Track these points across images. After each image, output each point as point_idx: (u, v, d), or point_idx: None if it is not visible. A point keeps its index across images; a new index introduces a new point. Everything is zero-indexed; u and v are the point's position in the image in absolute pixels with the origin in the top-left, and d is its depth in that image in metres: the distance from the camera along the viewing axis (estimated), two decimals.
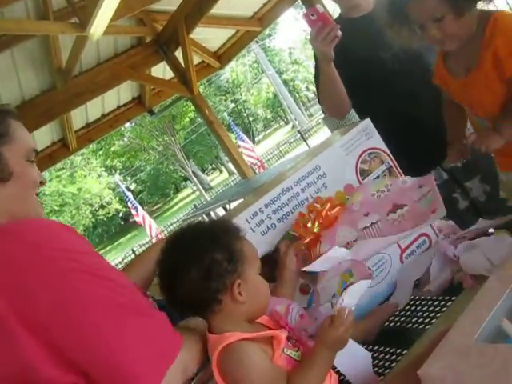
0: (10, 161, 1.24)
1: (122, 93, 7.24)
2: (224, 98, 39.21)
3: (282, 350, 1.19)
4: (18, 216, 1.23)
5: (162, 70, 7.21)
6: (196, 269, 1.18)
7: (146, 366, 1.09)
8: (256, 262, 1.27)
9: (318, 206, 1.54)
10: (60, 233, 1.16)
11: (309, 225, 1.50)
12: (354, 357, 1.28)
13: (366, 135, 1.74)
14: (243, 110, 41.70)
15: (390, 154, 1.76)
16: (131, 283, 1.21)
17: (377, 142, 1.75)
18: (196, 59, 7.05)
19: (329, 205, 1.53)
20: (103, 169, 36.07)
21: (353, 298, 1.20)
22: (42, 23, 4.75)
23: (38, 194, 1.36)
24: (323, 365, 1.17)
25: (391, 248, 1.62)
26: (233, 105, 40.38)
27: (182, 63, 6.59)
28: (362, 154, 1.72)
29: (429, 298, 1.48)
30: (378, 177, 1.73)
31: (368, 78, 2.22)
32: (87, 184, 33.36)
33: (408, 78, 2.19)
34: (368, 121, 1.75)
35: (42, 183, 1.37)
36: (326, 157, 1.68)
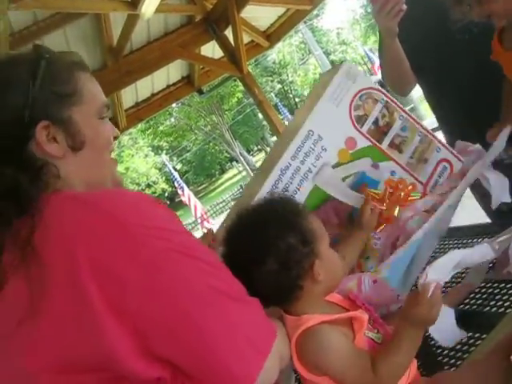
0: (81, 125, 1.14)
1: (171, 72, 7.23)
2: (270, 79, 39.07)
3: (364, 332, 1.15)
4: (94, 183, 1.15)
5: (211, 49, 7.16)
6: (272, 259, 1.12)
7: (242, 358, 0.97)
8: (326, 236, 1.21)
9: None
10: (149, 208, 1.04)
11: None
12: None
13: (349, 79, 1.60)
14: (289, 92, 41.47)
15: (381, 89, 1.65)
16: (222, 263, 1.07)
17: (363, 81, 1.62)
18: (245, 38, 6.96)
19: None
20: (150, 148, 36.44)
21: (439, 272, 1.11)
22: (94, 1, 4.77)
23: (112, 151, 1.25)
24: (410, 345, 1.12)
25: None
26: (279, 86, 40.19)
27: (232, 42, 6.54)
28: (352, 100, 1.60)
29: (508, 280, 1.42)
30: (376, 119, 1.63)
31: (435, 52, 2.14)
32: (134, 163, 33.82)
33: (478, 49, 2.11)
34: (347, 64, 1.63)
35: (115, 138, 1.26)
36: (316, 117, 1.55)
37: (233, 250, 1.18)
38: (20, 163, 1.06)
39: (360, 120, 1.60)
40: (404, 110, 1.66)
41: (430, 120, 8.10)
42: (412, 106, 9.90)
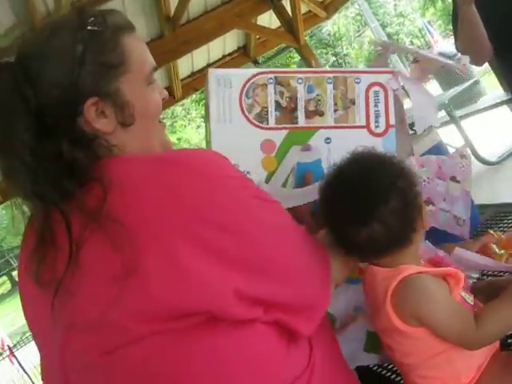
0: (129, 94, 1.07)
1: (227, 42, 7.22)
2: (325, 51, 38.59)
3: (460, 289, 1.13)
4: (145, 150, 1.11)
5: (268, 19, 7.11)
6: (395, 196, 1.10)
7: (321, 283, 1.09)
8: None
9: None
10: (222, 160, 1.05)
11: None
12: None
13: (225, 86, 1.36)
14: (344, 64, 40.93)
15: (261, 70, 1.42)
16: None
17: (240, 78, 1.38)
18: (303, 8, 6.87)
19: None
20: (202, 120, 36.63)
21: None
22: None
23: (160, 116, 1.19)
24: None
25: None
26: (333, 58, 39.69)
27: (289, 12, 6.47)
28: (241, 106, 1.37)
29: None
30: (276, 103, 1.39)
31: None
32: (187, 134, 34.05)
33: None
34: (211, 71, 1.40)
35: (163, 99, 1.19)
36: (218, 147, 1.33)
37: (349, 197, 1.13)
38: (71, 140, 1.02)
39: (261, 117, 1.38)
40: (298, 71, 1.45)
41: (493, 94, 7.87)
42: (475, 79, 9.60)
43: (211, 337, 0.94)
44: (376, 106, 1.45)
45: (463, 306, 1.12)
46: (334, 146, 1.41)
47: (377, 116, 1.44)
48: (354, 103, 1.43)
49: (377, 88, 1.45)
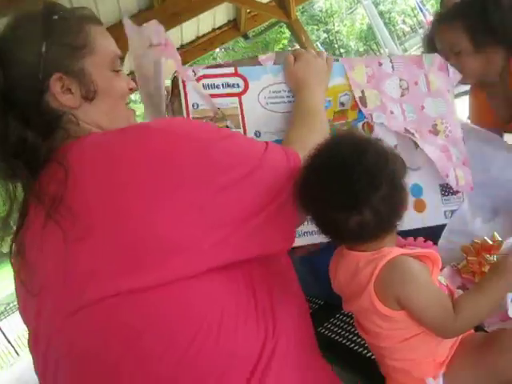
0: (94, 75, 1.20)
1: (217, 15, 7.15)
2: (316, 27, 38.38)
3: (438, 271, 1.14)
4: (108, 128, 1.20)
5: None
6: (385, 183, 1.07)
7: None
8: None
9: None
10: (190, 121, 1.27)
11: None
12: None
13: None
14: (335, 41, 40.74)
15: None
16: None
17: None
18: None
19: None
20: None
21: None
22: None
23: (128, 103, 1.31)
24: (496, 291, 1.11)
25: None
26: (325, 35, 39.49)
27: None
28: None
29: None
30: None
31: None
32: None
33: None
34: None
35: (131, 90, 1.31)
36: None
37: (341, 186, 1.08)
38: (38, 115, 1.15)
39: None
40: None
41: None
42: None
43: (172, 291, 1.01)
44: None
45: (442, 291, 1.12)
46: None
47: None
48: None
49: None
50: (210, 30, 7.41)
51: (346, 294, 1.20)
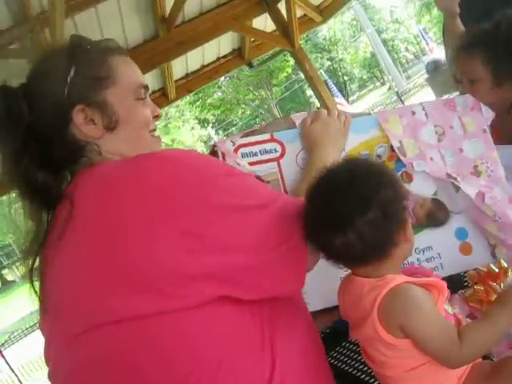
0: (116, 105, 1.23)
1: (222, 44, 7.20)
2: (320, 55, 38.70)
3: (444, 300, 1.14)
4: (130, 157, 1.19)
5: (263, 22, 7.10)
6: (376, 207, 1.08)
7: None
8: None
9: None
10: (198, 154, 1.24)
11: None
12: None
13: None
14: (339, 69, 41.02)
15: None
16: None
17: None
18: (298, 12, 6.87)
19: None
20: (196, 121, 36.60)
21: None
22: None
23: (154, 130, 1.32)
24: (502, 322, 1.12)
25: None
26: (329, 63, 39.78)
27: (285, 16, 6.46)
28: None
29: None
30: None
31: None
32: (181, 135, 34.03)
33: None
34: None
35: (156, 117, 1.33)
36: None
37: (328, 203, 1.12)
38: (62, 145, 1.20)
39: None
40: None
41: None
42: None
43: (179, 320, 1.01)
44: None
45: (448, 321, 1.12)
46: None
47: None
48: None
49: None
50: (215, 58, 7.46)
51: (351, 319, 1.20)
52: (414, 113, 1.66)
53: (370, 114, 1.63)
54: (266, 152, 1.54)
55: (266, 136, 1.55)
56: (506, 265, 1.42)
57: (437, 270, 1.56)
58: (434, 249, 1.59)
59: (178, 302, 1.00)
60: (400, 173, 1.59)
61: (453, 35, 2.09)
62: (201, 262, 1.01)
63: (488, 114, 1.70)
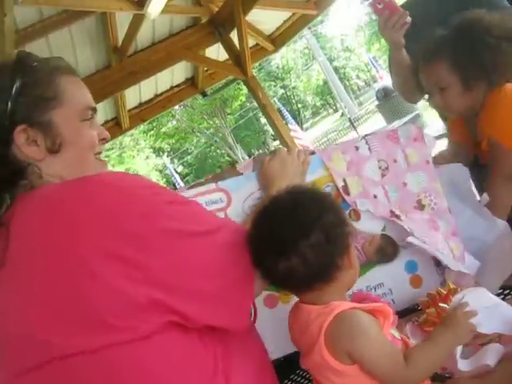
0: (61, 127, 1.18)
1: (175, 73, 7.22)
2: (273, 83, 39.11)
3: (390, 325, 1.15)
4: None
5: (216, 52, 7.15)
6: (319, 231, 1.10)
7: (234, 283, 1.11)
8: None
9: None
10: (143, 178, 1.15)
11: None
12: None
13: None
14: (292, 97, 41.50)
15: None
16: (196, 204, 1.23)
17: None
18: (250, 42, 6.96)
19: None
20: (151, 150, 36.42)
21: (477, 303, 1.22)
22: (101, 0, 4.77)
23: (99, 153, 1.27)
24: (446, 344, 1.15)
25: None
26: (282, 91, 40.23)
27: (237, 45, 6.53)
28: None
29: None
30: None
31: None
32: (135, 165, 33.75)
33: None
34: None
35: (103, 140, 1.29)
36: None
37: (272, 228, 1.14)
38: (3, 165, 1.14)
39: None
40: None
41: (434, 127, 8.11)
42: (417, 112, 9.90)
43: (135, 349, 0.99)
44: None
45: (394, 345, 1.13)
46: None
47: None
48: None
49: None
50: (169, 87, 7.46)
51: (301, 347, 1.21)
52: (357, 148, 1.67)
53: (314, 152, 1.63)
54: (212, 202, 1.52)
55: (211, 186, 1.54)
56: (452, 286, 1.45)
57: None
58: (385, 285, 1.60)
59: (126, 333, 0.98)
60: (348, 211, 1.60)
61: (399, 66, 2.14)
62: (144, 292, 0.99)
63: (430, 143, 1.72)
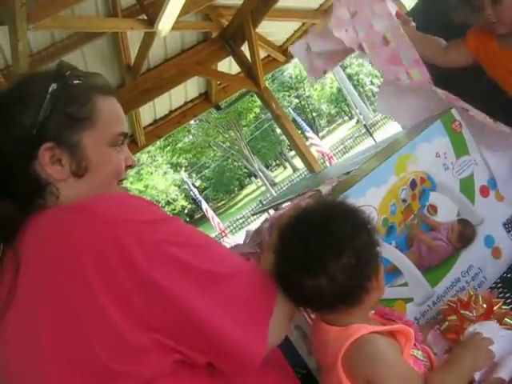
0: (90, 150, 1.10)
1: (188, 89, 7.26)
2: (287, 93, 39.19)
3: (411, 347, 1.11)
4: None
5: (228, 65, 7.20)
6: (350, 251, 1.05)
7: (244, 328, 0.99)
8: None
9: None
10: (138, 203, 1.05)
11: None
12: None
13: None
14: (307, 106, 41.53)
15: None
16: (211, 239, 1.10)
17: None
18: (262, 53, 6.98)
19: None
20: (169, 166, 36.61)
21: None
22: (111, 20, 4.83)
23: (122, 180, 1.20)
24: (466, 370, 1.12)
25: None
26: (296, 100, 40.26)
27: (249, 58, 6.56)
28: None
29: None
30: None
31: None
32: (154, 181, 33.94)
33: None
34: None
35: (129, 167, 1.21)
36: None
37: (301, 241, 1.07)
38: (21, 181, 1.07)
39: None
40: None
41: None
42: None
43: None
44: None
45: (414, 370, 1.09)
46: None
47: None
48: None
49: None
50: (183, 103, 7.48)
51: (321, 363, 1.18)
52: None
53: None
54: None
55: None
56: (472, 292, 1.44)
57: (482, 284, 1.62)
58: (474, 266, 1.62)
59: (130, 378, 0.93)
60: (426, 207, 1.58)
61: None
62: (149, 336, 0.94)
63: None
